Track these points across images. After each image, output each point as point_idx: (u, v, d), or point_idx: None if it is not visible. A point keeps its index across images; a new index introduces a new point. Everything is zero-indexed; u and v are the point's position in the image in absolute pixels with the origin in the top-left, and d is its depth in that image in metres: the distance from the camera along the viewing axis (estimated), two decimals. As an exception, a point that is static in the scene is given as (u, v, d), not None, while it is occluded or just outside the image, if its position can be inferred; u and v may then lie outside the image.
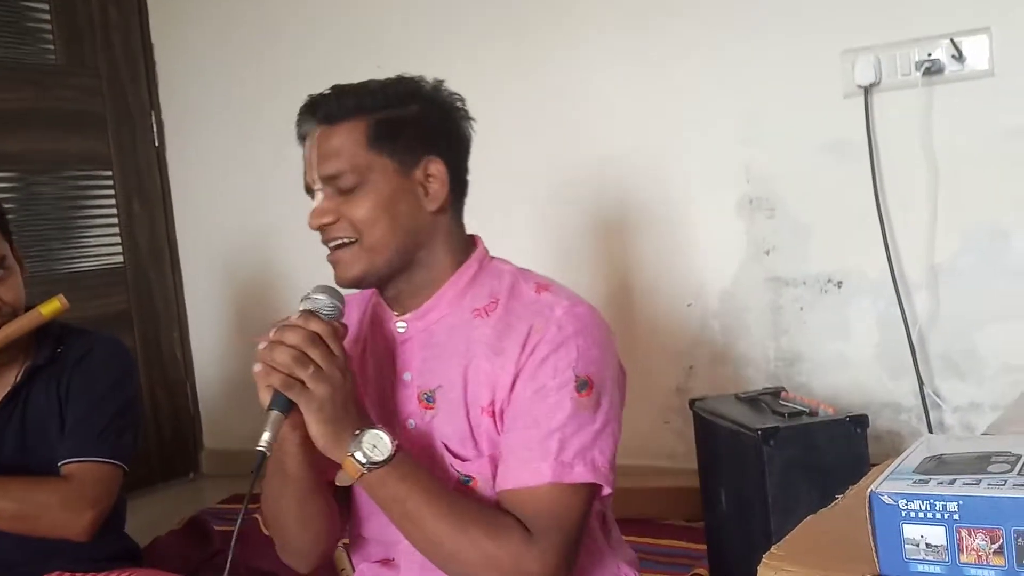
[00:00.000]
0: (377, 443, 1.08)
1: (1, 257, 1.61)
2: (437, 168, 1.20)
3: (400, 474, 1.10)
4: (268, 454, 1.07)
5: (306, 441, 1.14)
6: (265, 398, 1.09)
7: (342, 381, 1.10)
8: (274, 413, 1.08)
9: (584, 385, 1.14)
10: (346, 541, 1.38)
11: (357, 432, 1.09)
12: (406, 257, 1.19)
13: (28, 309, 1.66)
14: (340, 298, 1.16)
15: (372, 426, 1.11)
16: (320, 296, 1.14)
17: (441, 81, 1.25)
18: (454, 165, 1.23)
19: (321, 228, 1.18)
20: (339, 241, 1.18)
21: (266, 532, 1.34)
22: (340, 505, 1.29)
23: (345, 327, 1.15)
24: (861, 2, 2.30)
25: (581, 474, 1.13)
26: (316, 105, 1.20)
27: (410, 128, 1.20)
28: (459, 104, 1.26)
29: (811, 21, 2.36)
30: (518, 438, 1.14)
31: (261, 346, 1.10)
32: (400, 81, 1.23)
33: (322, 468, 1.21)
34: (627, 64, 2.60)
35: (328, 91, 1.22)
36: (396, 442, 1.09)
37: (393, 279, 1.20)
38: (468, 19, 2.83)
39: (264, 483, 1.23)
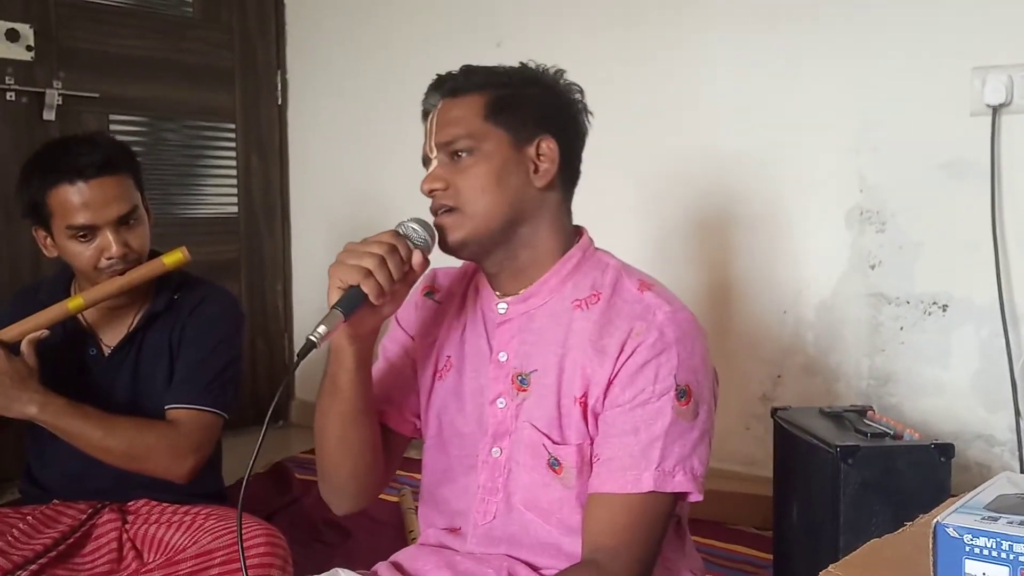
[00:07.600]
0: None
1: (134, 207, 1.69)
2: (549, 146, 1.23)
3: None
4: (317, 345, 1.10)
5: (363, 360, 1.20)
6: (333, 297, 1.14)
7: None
8: (335, 311, 1.12)
9: (684, 393, 1.15)
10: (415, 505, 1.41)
11: None
12: (509, 231, 1.21)
13: (151, 255, 1.75)
14: (432, 234, 1.21)
15: None
16: (414, 225, 1.20)
17: (562, 71, 1.29)
18: (567, 148, 1.26)
19: (431, 193, 1.22)
20: (444, 208, 1.21)
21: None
22: (389, 456, 1.33)
23: (428, 262, 1.20)
24: (996, 20, 2.20)
25: (681, 483, 1.14)
26: (443, 81, 1.26)
27: (528, 106, 1.23)
28: (578, 95, 1.30)
29: (943, 33, 2.27)
30: (618, 444, 1.15)
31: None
32: (523, 67, 1.28)
33: (379, 398, 1.26)
34: (743, 61, 2.56)
35: (456, 70, 1.27)
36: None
37: (494, 252, 1.23)
38: (587, 3, 2.83)
39: (317, 399, 1.27)
